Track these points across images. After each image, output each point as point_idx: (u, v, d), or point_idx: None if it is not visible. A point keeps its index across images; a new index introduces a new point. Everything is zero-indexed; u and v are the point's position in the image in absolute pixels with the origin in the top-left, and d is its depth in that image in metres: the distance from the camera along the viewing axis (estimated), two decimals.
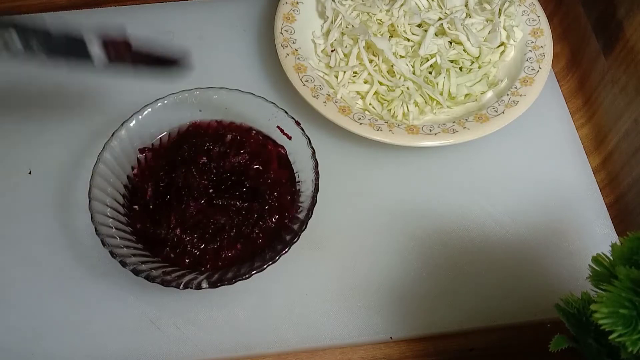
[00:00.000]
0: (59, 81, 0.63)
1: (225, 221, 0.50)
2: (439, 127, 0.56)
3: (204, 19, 0.69)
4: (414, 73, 0.61)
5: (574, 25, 0.66)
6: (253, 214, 0.51)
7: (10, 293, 0.52)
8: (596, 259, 0.37)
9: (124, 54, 0.44)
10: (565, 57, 0.67)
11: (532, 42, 0.62)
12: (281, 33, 0.61)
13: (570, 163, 0.60)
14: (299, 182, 0.53)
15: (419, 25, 0.63)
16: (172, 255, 0.49)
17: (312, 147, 0.52)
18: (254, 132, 0.55)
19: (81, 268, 0.53)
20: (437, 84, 0.60)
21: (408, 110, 0.59)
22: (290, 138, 0.54)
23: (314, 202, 0.50)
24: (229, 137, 0.54)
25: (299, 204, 0.51)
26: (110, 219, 0.49)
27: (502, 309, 0.52)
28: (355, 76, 0.61)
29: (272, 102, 0.54)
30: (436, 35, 0.62)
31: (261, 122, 0.55)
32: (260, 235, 0.50)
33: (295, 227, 0.49)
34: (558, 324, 0.42)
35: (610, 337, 0.33)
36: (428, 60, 0.61)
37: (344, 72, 0.61)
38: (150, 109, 0.53)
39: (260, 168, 0.53)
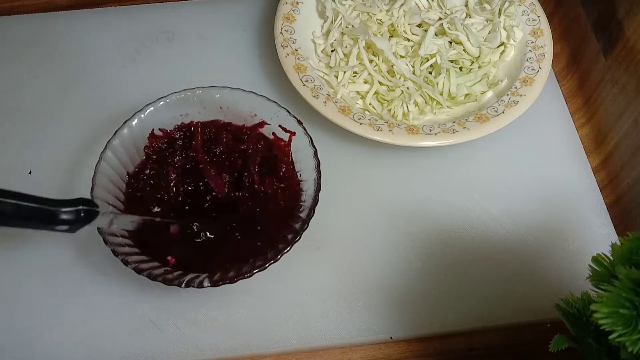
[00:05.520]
0: (61, 81, 0.63)
1: (229, 219, 0.50)
2: (439, 127, 0.56)
3: (204, 19, 0.69)
4: (414, 73, 0.61)
5: (574, 25, 0.66)
6: (256, 212, 0.51)
7: (10, 293, 0.52)
8: (596, 259, 0.37)
9: None
10: (565, 57, 0.67)
11: (532, 42, 0.62)
12: (281, 33, 0.61)
13: (570, 163, 0.60)
14: (301, 180, 0.53)
15: (419, 25, 0.63)
16: (173, 254, 0.49)
17: (314, 147, 0.52)
18: (257, 130, 0.55)
19: (82, 268, 0.53)
20: (437, 84, 0.60)
21: (408, 110, 0.59)
22: (292, 137, 0.54)
23: (315, 201, 0.50)
24: (233, 135, 0.54)
25: (301, 203, 0.51)
26: None
27: (502, 309, 0.52)
28: (355, 76, 0.61)
29: (274, 101, 0.54)
30: (436, 35, 0.62)
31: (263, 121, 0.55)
32: (263, 233, 0.50)
33: (297, 225, 0.49)
34: (558, 324, 0.42)
35: (610, 337, 0.33)
36: (428, 60, 0.61)
37: (344, 72, 0.61)
38: (152, 108, 0.53)
39: (264, 166, 0.53)
